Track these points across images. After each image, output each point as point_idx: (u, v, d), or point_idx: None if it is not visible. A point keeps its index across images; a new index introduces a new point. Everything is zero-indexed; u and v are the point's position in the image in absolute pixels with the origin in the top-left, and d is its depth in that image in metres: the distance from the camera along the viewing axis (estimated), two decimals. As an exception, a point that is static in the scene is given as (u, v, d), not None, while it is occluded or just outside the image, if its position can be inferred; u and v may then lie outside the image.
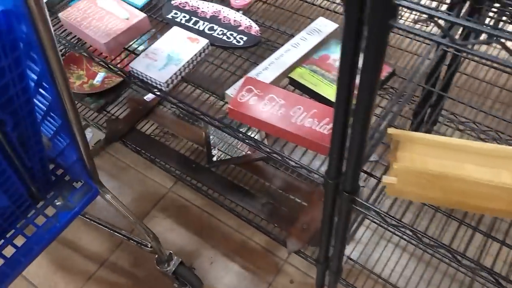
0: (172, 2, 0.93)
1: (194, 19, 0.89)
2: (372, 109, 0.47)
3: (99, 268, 1.14)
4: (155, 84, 0.79)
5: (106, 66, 0.85)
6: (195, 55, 0.81)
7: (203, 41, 0.83)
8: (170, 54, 0.81)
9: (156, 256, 1.00)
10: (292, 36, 0.85)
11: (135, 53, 0.90)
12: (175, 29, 0.86)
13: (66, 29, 0.92)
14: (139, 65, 0.80)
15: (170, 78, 0.78)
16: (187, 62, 0.80)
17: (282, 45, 0.83)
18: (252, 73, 0.76)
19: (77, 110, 0.67)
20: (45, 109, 0.68)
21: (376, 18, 0.37)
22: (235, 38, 0.85)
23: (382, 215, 0.60)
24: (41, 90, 0.64)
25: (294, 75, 0.75)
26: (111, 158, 1.37)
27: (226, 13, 0.89)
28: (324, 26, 0.82)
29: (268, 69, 0.76)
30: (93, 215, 1.14)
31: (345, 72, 0.45)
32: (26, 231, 0.79)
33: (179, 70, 0.79)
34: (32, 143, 0.65)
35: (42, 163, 0.72)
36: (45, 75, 0.58)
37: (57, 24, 0.96)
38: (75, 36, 0.91)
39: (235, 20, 0.88)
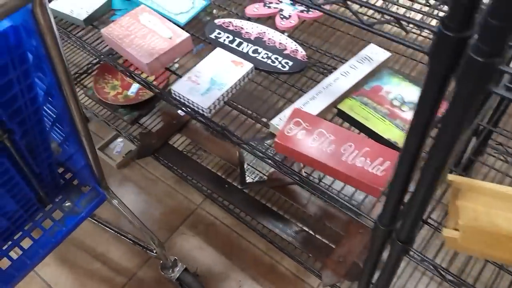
0: (216, 21, 0.90)
1: (237, 40, 0.86)
2: (448, 160, 0.42)
3: (126, 283, 1.13)
4: (197, 109, 0.76)
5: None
6: (239, 80, 0.78)
7: (248, 65, 0.80)
8: (213, 78, 0.79)
9: (161, 262, 1.01)
10: (340, 59, 0.82)
11: (170, 71, 0.88)
12: (218, 50, 0.83)
13: (102, 40, 0.90)
14: (181, 88, 0.78)
15: (213, 103, 0.75)
16: (231, 87, 0.77)
17: (330, 69, 0.79)
18: (299, 103, 0.73)
19: (84, 119, 0.68)
20: (54, 116, 0.69)
21: (470, 81, 0.33)
22: (280, 62, 0.81)
23: (439, 269, 0.56)
24: (50, 99, 0.66)
25: (344, 107, 0.71)
26: (140, 170, 1.36)
27: (271, 35, 0.86)
28: (375, 54, 0.78)
29: (316, 99, 0.73)
30: (101, 217, 1.14)
31: (420, 123, 0.41)
32: (33, 234, 0.80)
33: (222, 95, 0.76)
34: (41, 150, 0.66)
35: (50, 169, 0.73)
36: (53, 85, 0.59)
37: (97, 37, 0.95)
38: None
39: (280, 43, 0.85)
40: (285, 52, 0.83)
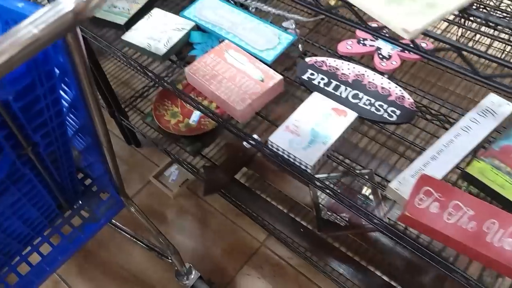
0: (307, 59, 0.83)
1: (334, 82, 0.79)
2: None
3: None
4: (298, 164, 0.69)
5: (237, 134, 0.76)
6: (344, 132, 0.71)
7: (352, 115, 0.72)
8: (315, 129, 0.71)
9: (176, 269, 1.01)
10: (453, 106, 0.73)
11: (262, 116, 0.81)
12: (316, 96, 0.76)
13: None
14: (280, 140, 0.70)
15: (318, 160, 0.68)
16: (336, 140, 0.70)
17: (443, 119, 0.71)
18: (419, 163, 0.65)
19: (107, 132, 0.68)
20: (77, 127, 0.70)
21: None
22: (385, 110, 0.74)
23: None
24: (73, 110, 0.67)
25: (473, 170, 0.63)
26: (198, 201, 1.30)
27: (371, 77, 0.79)
28: (498, 106, 0.70)
29: (438, 160, 0.65)
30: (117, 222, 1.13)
31: None
32: (52, 240, 0.80)
33: (328, 149, 0.69)
34: (63, 160, 0.67)
35: (71, 177, 0.74)
36: (78, 99, 0.60)
37: (174, 69, 0.88)
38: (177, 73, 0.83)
39: (383, 87, 0.77)
40: (390, 98, 0.75)
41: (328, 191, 0.68)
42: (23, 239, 0.75)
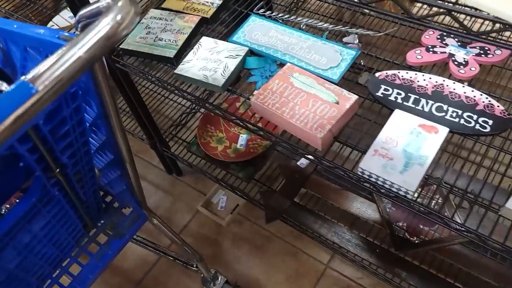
0: (377, 74, 0.78)
1: (412, 96, 0.74)
2: None
3: None
4: (396, 191, 0.65)
5: (299, 152, 0.72)
6: (439, 149, 0.66)
7: (443, 130, 0.68)
8: (407, 150, 0.67)
9: (202, 275, 1.03)
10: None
11: (340, 141, 0.77)
12: (398, 113, 0.71)
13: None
14: (373, 166, 0.66)
15: (419, 184, 0.63)
16: (433, 160, 0.65)
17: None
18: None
19: (130, 148, 0.69)
20: (98, 145, 0.70)
21: None
22: (476, 121, 0.69)
23: None
24: (94, 128, 0.68)
25: None
26: (252, 226, 1.25)
27: (451, 86, 0.74)
28: None
29: (552, 171, 0.60)
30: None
31: None
32: (80, 259, 0.81)
33: (426, 171, 0.64)
34: (87, 179, 0.69)
35: (95, 195, 0.76)
36: (99, 117, 0.62)
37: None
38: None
39: (467, 97, 0.72)
40: (478, 108, 0.70)
41: (427, 215, 0.63)
42: (53, 261, 0.76)
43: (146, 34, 0.94)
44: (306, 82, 0.77)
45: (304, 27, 0.92)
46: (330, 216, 1.06)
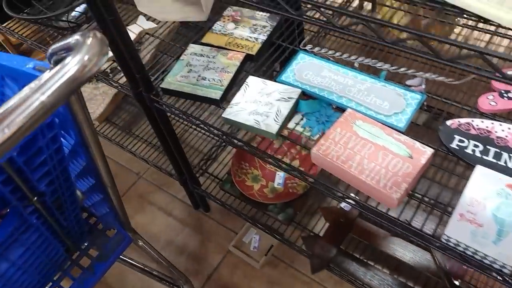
0: (448, 122, 0.72)
1: (492, 149, 0.67)
2: None
3: None
4: (489, 263, 0.57)
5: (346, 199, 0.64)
6: (534, 215, 0.59)
7: (536, 192, 0.61)
8: (497, 215, 0.59)
9: None
10: None
11: (415, 198, 0.70)
12: (481, 170, 0.64)
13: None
14: (460, 234, 0.59)
15: (516, 256, 0.56)
16: (529, 228, 0.58)
17: None
18: None
19: (110, 172, 0.70)
20: (79, 170, 0.70)
21: None
22: None
23: None
24: (74, 154, 0.67)
25: None
26: (288, 270, 1.17)
27: (534, 139, 0.67)
28: None
29: None
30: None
31: None
32: (63, 284, 0.79)
33: (523, 241, 0.57)
34: (68, 204, 0.68)
35: (77, 219, 0.75)
36: (79, 144, 0.62)
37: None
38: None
39: (555, 151, 0.65)
40: None
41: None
42: (34, 287, 0.75)
43: (188, 72, 0.88)
44: (371, 131, 0.71)
45: (357, 66, 0.86)
46: (380, 265, 0.98)
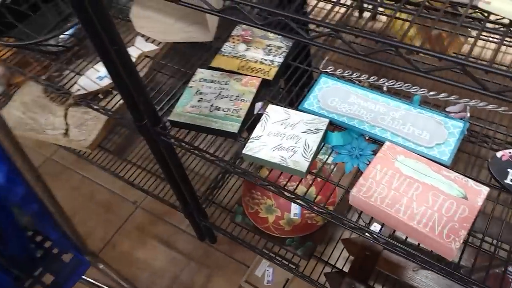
0: (499, 154, 0.65)
1: (552, 185, 0.60)
2: None
3: None
4: None
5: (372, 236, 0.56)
6: None
7: None
8: None
9: None
10: None
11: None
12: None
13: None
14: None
15: None
16: None
17: None
18: None
19: (55, 198, 0.68)
20: (20, 197, 0.66)
21: None
22: None
23: None
24: (10, 182, 0.63)
25: None
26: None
27: None
28: None
29: None
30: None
31: None
32: None
33: None
34: (9, 233, 0.66)
35: (23, 246, 0.72)
36: (13, 172, 0.60)
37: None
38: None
39: None
40: None
41: None
42: None
43: (199, 101, 0.79)
44: (416, 168, 0.63)
45: (386, 89, 0.78)
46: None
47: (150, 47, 0.94)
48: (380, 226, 0.65)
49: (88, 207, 1.38)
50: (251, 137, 0.72)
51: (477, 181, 0.61)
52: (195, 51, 0.96)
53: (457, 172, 0.62)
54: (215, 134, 0.76)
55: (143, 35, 0.98)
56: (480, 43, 0.96)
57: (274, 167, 0.70)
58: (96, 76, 0.89)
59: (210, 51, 0.91)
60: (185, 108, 0.78)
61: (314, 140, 0.70)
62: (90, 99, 0.90)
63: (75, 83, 0.89)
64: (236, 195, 1.18)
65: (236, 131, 0.74)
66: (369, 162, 0.69)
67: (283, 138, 0.71)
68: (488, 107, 0.66)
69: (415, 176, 0.62)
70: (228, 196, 1.18)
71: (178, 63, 0.94)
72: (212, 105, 0.78)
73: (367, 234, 0.65)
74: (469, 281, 0.57)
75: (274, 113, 0.75)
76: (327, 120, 0.72)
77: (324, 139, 0.72)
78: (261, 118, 0.74)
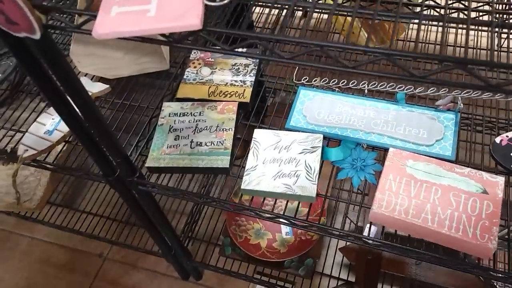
0: (497, 140, 0.65)
1: (554, 161, 0.61)
2: None
3: None
4: None
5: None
6: None
7: None
8: None
9: None
10: None
11: None
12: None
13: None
14: None
15: None
16: None
17: None
18: None
19: None
20: None
21: None
22: None
23: None
24: None
25: None
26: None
27: None
28: None
29: None
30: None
31: None
32: None
33: None
34: None
35: None
36: None
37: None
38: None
39: None
40: None
41: None
42: None
43: (176, 140, 0.70)
44: (428, 170, 0.61)
45: (366, 92, 0.76)
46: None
47: (99, 87, 0.83)
48: (372, 228, 0.63)
49: (46, 273, 1.21)
50: (246, 170, 0.66)
51: (488, 171, 0.60)
52: (151, 81, 0.87)
53: (468, 166, 0.61)
54: (203, 172, 0.68)
55: (86, 75, 0.86)
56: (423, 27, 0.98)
57: (279, 197, 0.64)
58: (43, 131, 0.76)
59: (170, 79, 0.82)
60: (162, 150, 0.69)
61: (314, 160, 0.65)
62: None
63: (19, 142, 0.75)
64: (218, 223, 1.10)
65: (227, 166, 0.66)
66: (375, 172, 0.66)
67: (281, 164, 0.65)
68: (477, 94, 0.66)
69: (430, 179, 0.60)
70: (210, 226, 1.09)
71: (136, 99, 0.84)
72: (192, 141, 0.70)
73: (360, 240, 0.62)
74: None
75: (263, 138, 0.69)
76: (321, 136, 0.68)
77: (322, 156, 0.67)
78: (251, 146, 0.68)
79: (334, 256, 1.00)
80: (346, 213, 0.64)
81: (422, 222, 0.56)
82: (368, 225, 0.77)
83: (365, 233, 0.94)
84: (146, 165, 0.68)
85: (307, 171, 0.64)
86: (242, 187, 0.64)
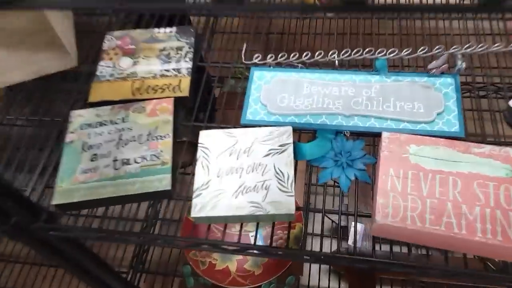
0: (511, 103, 0.51)
1: None
2: None
3: None
4: None
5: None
6: None
7: None
8: None
9: None
10: None
11: None
12: None
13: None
14: None
15: None
16: None
17: None
18: None
19: None
20: None
21: None
22: None
23: None
24: None
25: None
26: None
27: None
28: None
29: None
30: None
31: None
32: None
33: None
34: None
35: None
36: None
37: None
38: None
39: None
40: None
41: None
42: None
43: (93, 161, 0.50)
44: (439, 156, 0.45)
45: (337, 64, 0.59)
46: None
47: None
48: (358, 227, 0.48)
49: None
50: (195, 189, 0.47)
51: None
52: (54, 85, 0.66)
53: (482, 142, 0.47)
54: (137, 201, 0.49)
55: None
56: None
57: (246, 220, 0.47)
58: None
59: (79, 81, 0.62)
60: (74, 177, 0.49)
61: (286, 162, 0.48)
62: None
63: None
64: (174, 249, 0.90)
65: (169, 187, 0.48)
66: (366, 165, 0.50)
67: (242, 174, 0.48)
68: (491, 49, 0.51)
69: (443, 167, 0.44)
70: (165, 253, 0.90)
71: (35, 111, 0.63)
72: (116, 160, 0.50)
73: (361, 262, 0.46)
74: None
75: (213, 141, 0.51)
76: (289, 128, 0.51)
77: (295, 155, 0.50)
78: (197, 155, 0.50)
79: (320, 264, 0.84)
80: (324, 213, 0.48)
81: (446, 229, 0.41)
82: (352, 225, 0.65)
83: (350, 237, 0.80)
84: (53, 202, 0.48)
85: (279, 179, 0.47)
86: (192, 214, 0.46)
